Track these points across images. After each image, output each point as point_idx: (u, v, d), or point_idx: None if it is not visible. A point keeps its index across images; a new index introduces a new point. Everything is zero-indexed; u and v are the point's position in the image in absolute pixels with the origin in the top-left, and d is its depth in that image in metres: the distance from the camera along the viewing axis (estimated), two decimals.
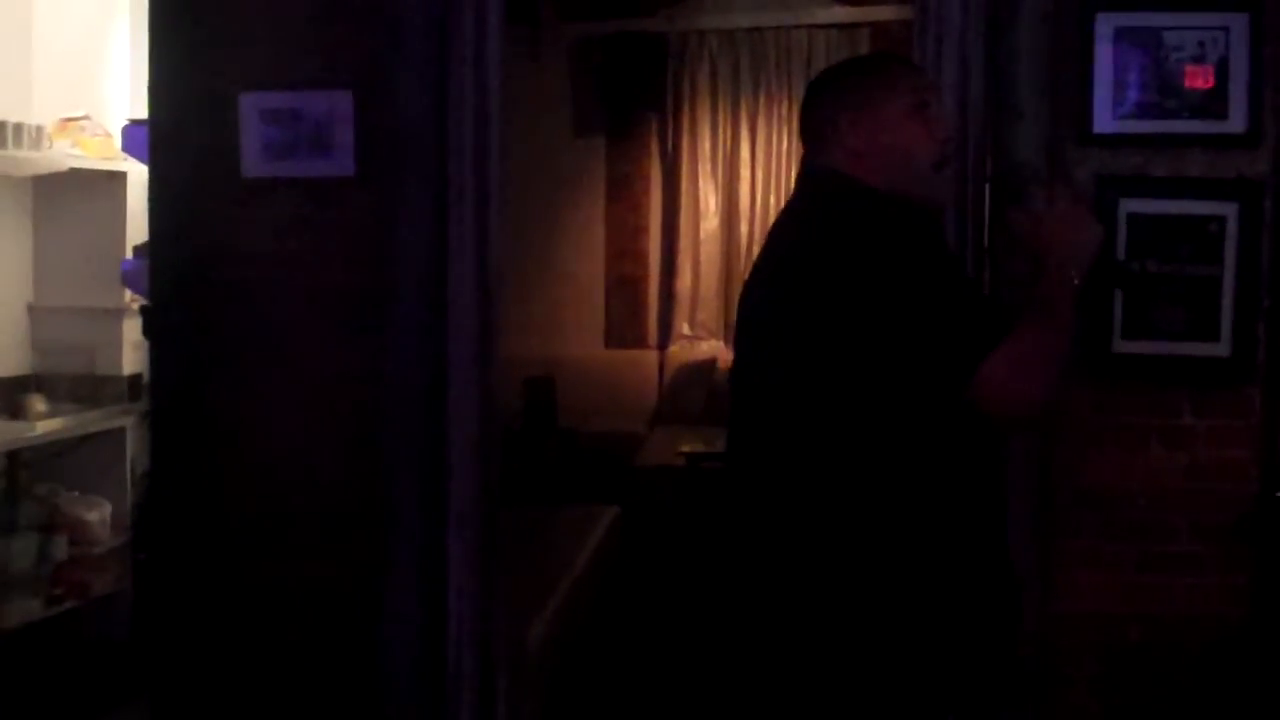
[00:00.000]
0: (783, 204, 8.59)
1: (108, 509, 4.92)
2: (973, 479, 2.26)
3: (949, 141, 2.42)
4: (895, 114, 2.35)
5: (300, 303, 3.65)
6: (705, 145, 8.86)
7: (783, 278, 2.30)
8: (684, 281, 8.88)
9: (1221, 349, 3.45)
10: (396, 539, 3.56)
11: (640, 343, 8.96)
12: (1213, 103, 3.41)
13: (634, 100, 8.77)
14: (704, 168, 8.86)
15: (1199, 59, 3.42)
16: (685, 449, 7.16)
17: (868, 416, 2.18)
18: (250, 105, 3.61)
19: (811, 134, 2.43)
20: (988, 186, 3.53)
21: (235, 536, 3.70)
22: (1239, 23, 3.39)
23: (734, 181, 8.85)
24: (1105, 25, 3.45)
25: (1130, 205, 3.46)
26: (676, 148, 8.88)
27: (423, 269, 3.52)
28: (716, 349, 8.75)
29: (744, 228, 8.85)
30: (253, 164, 3.62)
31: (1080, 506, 3.53)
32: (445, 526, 3.55)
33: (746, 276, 2.51)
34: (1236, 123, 3.41)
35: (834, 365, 2.18)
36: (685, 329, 8.89)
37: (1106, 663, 3.54)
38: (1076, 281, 2.22)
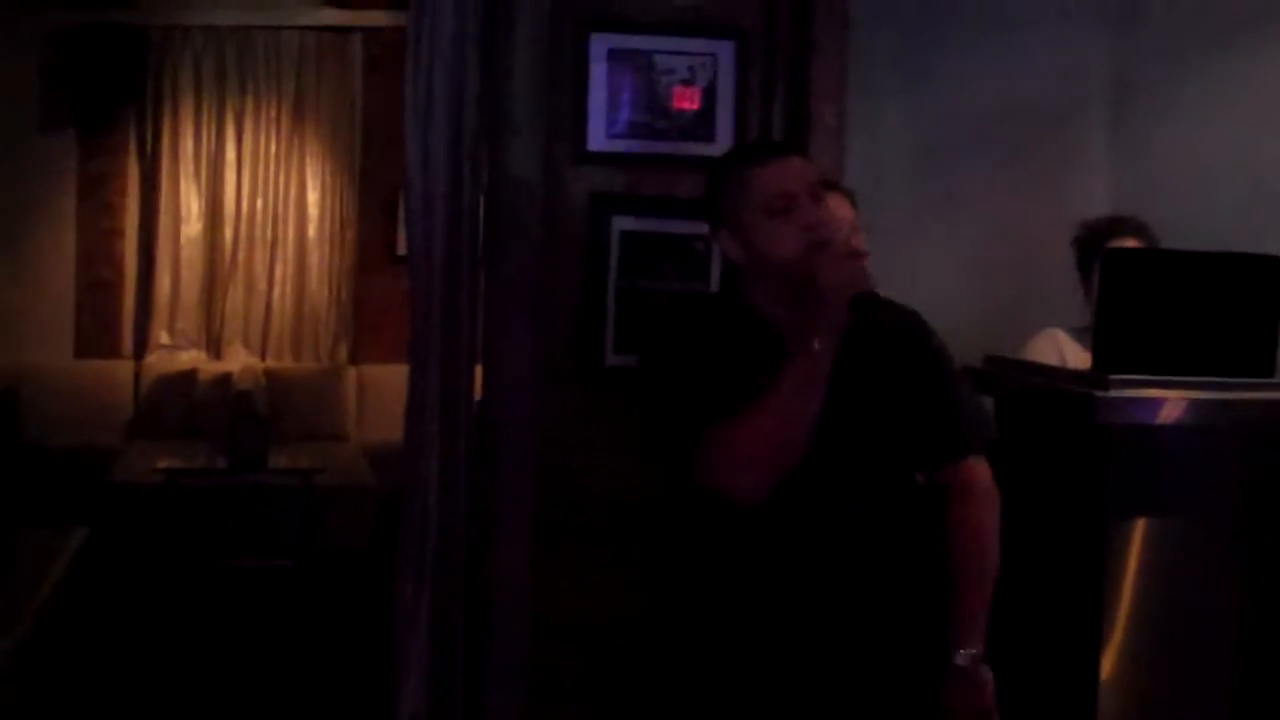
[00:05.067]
0: (270, 208, 8.49)
1: None
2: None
3: (818, 226, 2.38)
4: (752, 218, 2.39)
5: None
6: (188, 145, 8.55)
7: None
8: (163, 288, 8.54)
9: None
10: None
11: (114, 352, 8.53)
12: (701, 126, 3.53)
13: (111, 95, 8.31)
14: (186, 169, 8.55)
15: (689, 83, 3.52)
16: (164, 465, 6.84)
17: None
18: None
19: None
20: (482, 200, 3.53)
21: None
22: (726, 50, 3.52)
23: (219, 184, 8.59)
24: (599, 46, 3.50)
25: (622, 223, 3.53)
26: (156, 147, 8.52)
27: None
28: (198, 359, 8.47)
29: (229, 232, 8.60)
30: None
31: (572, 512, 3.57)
32: None
33: None
34: (723, 145, 3.53)
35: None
36: (164, 338, 8.55)
37: (597, 666, 3.59)
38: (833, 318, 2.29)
